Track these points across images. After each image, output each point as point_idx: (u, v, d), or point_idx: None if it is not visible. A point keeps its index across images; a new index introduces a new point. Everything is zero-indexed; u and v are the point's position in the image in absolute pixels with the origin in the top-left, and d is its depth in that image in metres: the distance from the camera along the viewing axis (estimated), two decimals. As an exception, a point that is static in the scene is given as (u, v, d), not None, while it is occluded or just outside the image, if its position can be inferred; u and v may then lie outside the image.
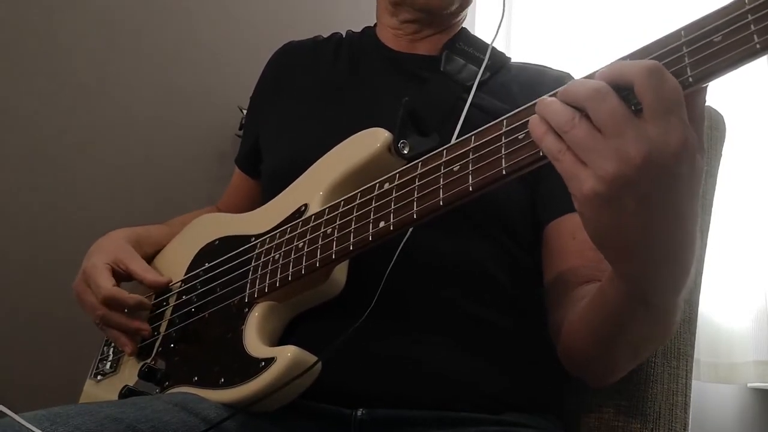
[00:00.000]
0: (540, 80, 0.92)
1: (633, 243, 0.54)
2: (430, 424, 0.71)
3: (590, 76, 0.53)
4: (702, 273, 0.87)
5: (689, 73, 0.49)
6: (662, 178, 0.49)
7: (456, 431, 0.71)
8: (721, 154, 0.92)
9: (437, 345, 0.75)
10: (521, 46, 1.77)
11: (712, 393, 1.59)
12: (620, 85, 0.50)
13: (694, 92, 0.51)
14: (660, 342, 0.72)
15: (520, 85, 0.91)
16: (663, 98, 0.48)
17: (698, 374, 1.48)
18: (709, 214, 0.89)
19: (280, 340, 0.75)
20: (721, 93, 1.49)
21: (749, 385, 1.59)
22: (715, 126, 0.92)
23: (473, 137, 0.62)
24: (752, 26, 0.46)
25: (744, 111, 1.53)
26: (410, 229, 0.74)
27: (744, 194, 1.53)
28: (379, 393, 0.72)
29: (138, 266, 0.87)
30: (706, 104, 0.89)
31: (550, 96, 0.53)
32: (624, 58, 0.52)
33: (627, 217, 0.51)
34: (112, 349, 0.91)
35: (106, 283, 0.83)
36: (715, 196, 0.90)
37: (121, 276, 0.87)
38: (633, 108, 0.49)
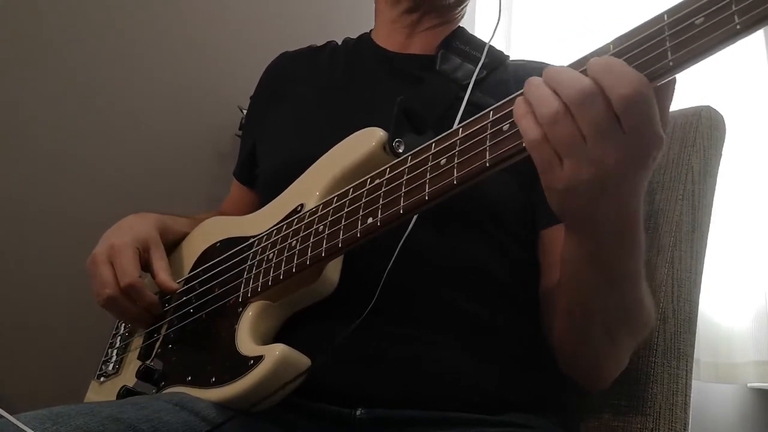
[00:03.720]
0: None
1: (589, 214, 0.57)
2: (429, 424, 0.71)
3: (576, 64, 0.54)
4: (702, 273, 0.87)
5: (669, 57, 0.49)
6: (629, 177, 0.54)
7: (456, 431, 0.71)
8: (721, 154, 0.91)
9: (437, 344, 0.75)
10: (521, 46, 1.77)
11: (712, 393, 1.59)
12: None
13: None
14: (635, 325, 0.70)
15: (518, 81, 0.90)
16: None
17: (698, 374, 1.48)
18: (709, 215, 0.89)
19: (278, 340, 0.74)
20: (721, 93, 1.49)
21: (749, 385, 1.59)
22: (715, 126, 0.91)
23: (461, 129, 0.62)
24: (733, 6, 0.46)
25: (744, 111, 1.53)
26: (410, 227, 0.74)
27: (744, 194, 1.54)
28: (378, 392, 0.72)
29: (159, 262, 0.86)
30: (706, 104, 0.89)
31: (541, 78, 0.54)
32: (607, 45, 0.53)
33: (589, 201, 0.55)
34: (114, 351, 0.92)
35: (133, 272, 0.82)
36: (714, 196, 0.90)
37: (142, 263, 0.86)
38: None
